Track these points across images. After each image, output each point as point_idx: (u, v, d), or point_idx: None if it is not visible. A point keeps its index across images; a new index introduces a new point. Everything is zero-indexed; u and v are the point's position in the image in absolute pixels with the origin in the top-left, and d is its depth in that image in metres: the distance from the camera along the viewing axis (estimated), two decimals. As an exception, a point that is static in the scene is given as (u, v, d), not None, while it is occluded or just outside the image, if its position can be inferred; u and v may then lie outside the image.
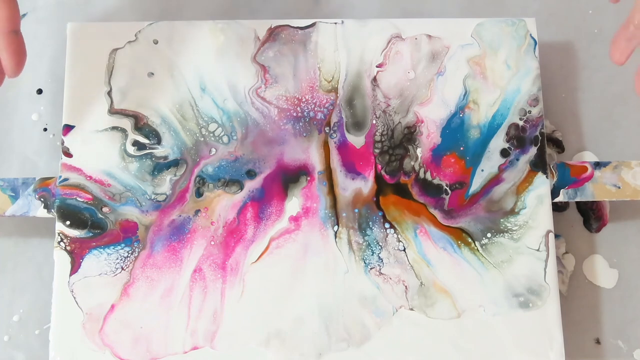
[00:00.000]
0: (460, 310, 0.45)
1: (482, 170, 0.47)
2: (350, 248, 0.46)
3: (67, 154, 0.47)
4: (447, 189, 0.47)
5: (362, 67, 0.48)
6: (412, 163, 0.47)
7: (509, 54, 0.49)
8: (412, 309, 0.45)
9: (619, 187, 0.47)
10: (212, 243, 0.46)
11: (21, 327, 0.48)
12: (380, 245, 0.46)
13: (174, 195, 0.46)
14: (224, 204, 0.46)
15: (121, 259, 0.45)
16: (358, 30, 0.49)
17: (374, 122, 0.48)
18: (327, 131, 0.48)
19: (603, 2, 0.54)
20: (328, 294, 0.45)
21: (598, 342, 0.48)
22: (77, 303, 0.44)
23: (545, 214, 0.46)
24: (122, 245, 0.45)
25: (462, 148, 0.47)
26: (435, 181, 0.47)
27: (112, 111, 0.48)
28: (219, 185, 0.47)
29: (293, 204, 0.46)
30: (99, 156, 0.47)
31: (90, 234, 0.45)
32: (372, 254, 0.46)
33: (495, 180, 0.47)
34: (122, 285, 0.45)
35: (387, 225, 0.46)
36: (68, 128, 0.47)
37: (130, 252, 0.45)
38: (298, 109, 0.48)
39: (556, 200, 0.47)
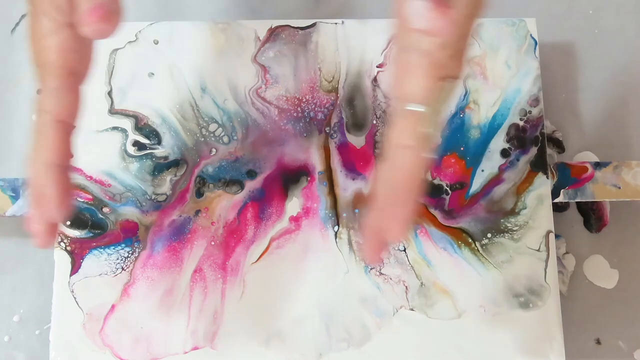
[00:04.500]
0: (461, 311, 0.45)
1: (483, 171, 0.47)
2: (351, 248, 0.46)
3: (68, 154, 0.47)
4: (448, 189, 0.47)
5: (363, 68, 0.48)
6: (413, 163, 0.47)
7: (509, 54, 0.49)
8: (412, 309, 0.45)
9: (619, 188, 0.47)
10: (213, 243, 0.46)
11: (21, 327, 0.48)
12: (381, 246, 0.46)
13: (174, 196, 0.46)
14: (224, 204, 0.46)
15: (121, 259, 0.45)
16: (358, 30, 0.49)
17: (375, 122, 0.48)
18: (327, 131, 0.48)
19: (603, 2, 0.54)
20: (328, 294, 0.45)
21: (598, 342, 0.48)
22: (77, 303, 0.44)
23: (545, 214, 0.46)
24: (123, 245, 0.45)
25: (462, 148, 0.47)
26: (436, 181, 0.47)
27: (113, 111, 0.48)
28: (219, 186, 0.47)
29: (293, 204, 0.46)
30: (99, 156, 0.47)
31: (91, 234, 0.45)
32: (373, 254, 0.46)
33: (495, 181, 0.47)
34: (123, 286, 0.45)
35: (387, 226, 0.46)
36: (68, 128, 0.47)
37: (130, 252, 0.45)
38: (298, 109, 0.48)
39: (556, 200, 0.47)
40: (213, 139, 0.47)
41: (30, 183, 0.35)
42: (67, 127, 0.35)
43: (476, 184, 0.47)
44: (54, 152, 0.34)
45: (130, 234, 0.46)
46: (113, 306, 0.45)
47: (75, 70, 0.35)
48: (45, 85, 0.34)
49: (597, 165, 0.48)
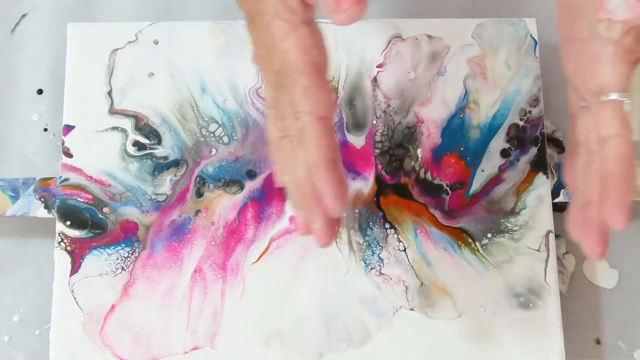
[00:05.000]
0: (461, 311, 0.45)
1: (483, 171, 0.47)
2: (351, 248, 0.46)
3: (68, 154, 0.47)
4: (448, 189, 0.47)
5: (363, 68, 0.48)
6: (413, 163, 0.47)
7: (509, 54, 0.49)
8: (412, 309, 0.45)
9: (619, 188, 0.47)
10: (213, 243, 0.46)
11: (21, 327, 0.48)
12: (381, 246, 0.46)
13: (174, 196, 0.46)
14: (224, 204, 0.46)
15: (121, 259, 0.45)
16: (358, 30, 0.49)
17: (375, 122, 0.48)
18: (327, 131, 0.47)
19: (603, 2, 0.54)
20: (328, 294, 0.45)
21: (598, 342, 0.48)
22: (77, 303, 0.44)
23: (545, 214, 0.46)
24: (123, 245, 0.45)
25: (462, 148, 0.47)
26: (436, 181, 0.47)
27: (113, 111, 0.48)
28: (219, 186, 0.47)
29: (293, 204, 0.46)
30: (100, 156, 0.47)
31: (91, 234, 0.45)
32: (373, 254, 0.46)
33: (495, 181, 0.47)
34: (123, 286, 0.45)
35: (387, 226, 0.46)
36: (68, 128, 0.47)
37: (130, 252, 0.45)
38: (298, 109, 0.48)
39: (556, 200, 0.47)
40: (213, 139, 0.47)
41: (297, 187, 0.35)
42: (328, 122, 0.35)
43: (476, 184, 0.47)
44: (324, 149, 0.34)
45: (130, 234, 0.46)
46: (113, 306, 0.45)
47: (320, 65, 0.35)
48: (295, 87, 0.34)
49: (597, 165, 0.48)
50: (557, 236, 0.49)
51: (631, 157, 0.34)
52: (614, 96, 0.34)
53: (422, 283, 0.45)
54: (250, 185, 0.47)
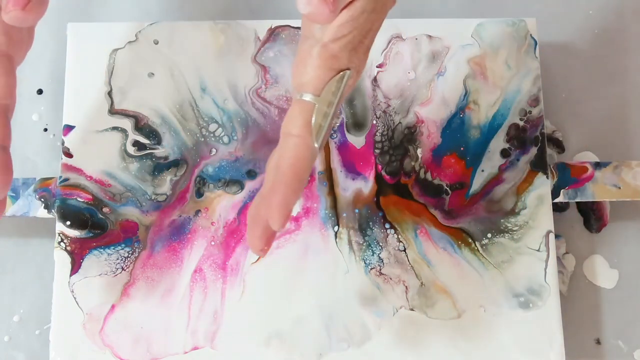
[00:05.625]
0: (461, 311, 0.45)
1: (483, 171, 0.47)
2: (351, 248, 0.46)
3: (68, 154, 0.47)
4: (448, 189, 0.47)
5: (363, 68, 0.48)
6: (413, 163, 0.47)
7: (509, 54, 0.49)
8: (412, 309, 0.45)
9: (620, 188, 0.47)
10: (213, 243, 0.46)
11: (21, 327, 0.48)
12: (381, 246, 0.46)
13: (174, 196, 0.46)
14: (224, 204, 0.46)
15: (121, 259, 0.45)
16: (358, 30, 0.49)
17: (374, 122, 0.48)
18: (327, 131, 0.47)
19: (603, 2, 0.54)
20: (328, 294, 0.45)
21: (598, 342, 0.48)
22: (77, 303, 0.44)
23: (545, 214, 0.46)
24: (123, 245, 0.45)
25: (462, 148, 0.47)
26: (436, 181, 0.47)
27: (113, 111, 0.48)
28: (219, 186, 0.47)
29: (293, 204, 0.46)
30: (99, 156, 0.47)
31: (91, 234, 0.45)
32: (373, 254, 0.46)
33: (495, 181, 0.47)
34: (123, 286, 0.45)
35: (387, 226, 0.46)
36: (68, 128, 0.47)
37: (130, 252, 0.45)
38: (298, 109, 0.48)
39: (556, 200, 0.47)
40: (213, 139, 0.47)
41: None
42: (1, 108, 0.36)
43: (476, 184, 0.47)
44: None
45: (130, 234, 0.46)
46: (113, 306, 0.45)
47: (5, 52, 0.35)
48: None
49: (597, 165, 0.48)
50: (557, 236, 0.49)
51: (304, 161, 0.33)
52: (307, 97, 0.33)
53: (422, 283, 0.45)
54: (250, 185, 0.47)
